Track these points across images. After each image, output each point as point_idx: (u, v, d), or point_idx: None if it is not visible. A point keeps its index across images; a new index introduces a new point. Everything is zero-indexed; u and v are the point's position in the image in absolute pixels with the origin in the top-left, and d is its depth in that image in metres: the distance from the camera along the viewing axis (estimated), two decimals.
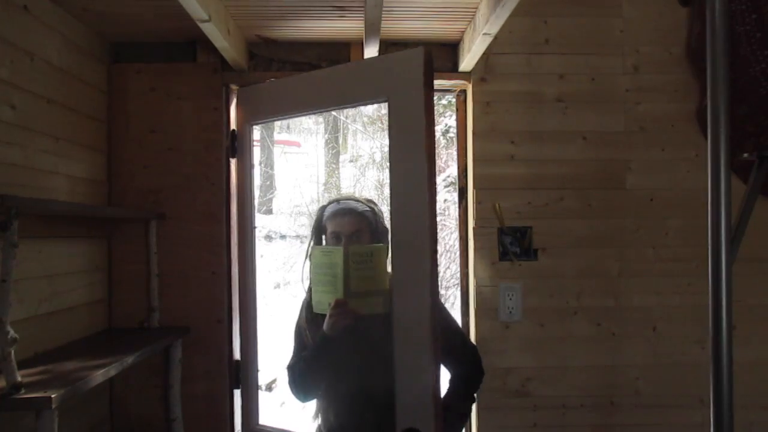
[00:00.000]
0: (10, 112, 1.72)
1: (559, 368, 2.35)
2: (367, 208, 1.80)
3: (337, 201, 1.85)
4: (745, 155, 1.47)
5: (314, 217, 1.88)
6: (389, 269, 1.76)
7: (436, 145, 2.02)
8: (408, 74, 1.78)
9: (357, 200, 1.83)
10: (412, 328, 1.72)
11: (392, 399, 1.72)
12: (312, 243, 1.83)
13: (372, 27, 2.02)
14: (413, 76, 1.76)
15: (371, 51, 2.25)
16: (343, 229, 1.75)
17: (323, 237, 1.84)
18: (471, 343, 2.01)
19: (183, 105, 2.35)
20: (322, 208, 1.86)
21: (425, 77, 1.75)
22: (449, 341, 1.76)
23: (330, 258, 1.68)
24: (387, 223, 1.83)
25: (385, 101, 1.86)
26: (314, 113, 2.59)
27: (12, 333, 1.38)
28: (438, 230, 1.76)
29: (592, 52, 2.37)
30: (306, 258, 1.82)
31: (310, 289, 1.83)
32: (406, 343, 1.74)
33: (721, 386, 1.11)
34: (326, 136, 10.02)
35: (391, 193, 1.81)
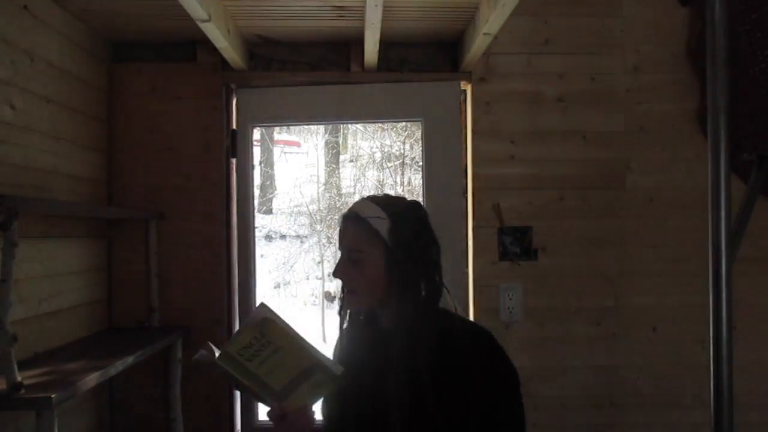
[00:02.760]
0: (10, 112, 1.72)
1: (559, 368, 2.35)
2: (382, 215, 1.22)
3: (362, 199, 1.33)
4: (745, 155, 1.47)
5: None
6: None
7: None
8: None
9: (380, 201, 1.27)
10: None
11: None
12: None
13: (372, 27, 2.02)
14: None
15: (371, 51, 2.25)
16: (341, 242, 1.28)
17: None
18: None
19: (183, 105, 2.34)
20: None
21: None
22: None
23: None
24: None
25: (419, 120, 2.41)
26: (330, 123, 2.89)
27: (12, 332, 1.38)
28: None
29: (592, 52, 2.37)
30: None
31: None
32: None
33: (721, 386, 1.11)
34: (326, 136, 10.00)
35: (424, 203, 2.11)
